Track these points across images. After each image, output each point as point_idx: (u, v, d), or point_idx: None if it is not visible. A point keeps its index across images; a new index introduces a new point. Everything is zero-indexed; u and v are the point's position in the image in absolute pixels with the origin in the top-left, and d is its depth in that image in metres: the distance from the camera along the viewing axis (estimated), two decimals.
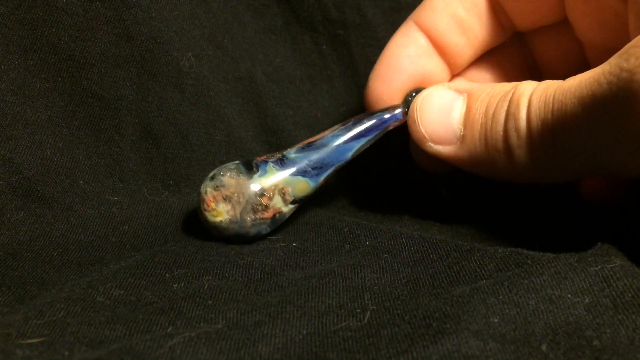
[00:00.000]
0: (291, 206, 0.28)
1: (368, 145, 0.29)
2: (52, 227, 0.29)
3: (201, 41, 0.33)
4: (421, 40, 0.30)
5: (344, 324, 0.21)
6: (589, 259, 0.23)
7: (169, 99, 0.32)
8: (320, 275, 0.24)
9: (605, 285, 0.21)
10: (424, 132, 0.27)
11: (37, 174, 0.30)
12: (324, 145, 0.28)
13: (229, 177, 0.27)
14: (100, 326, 0.21)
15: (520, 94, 0.25)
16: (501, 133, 0.25)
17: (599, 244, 0.24)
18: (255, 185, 0.27)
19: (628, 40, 0.23)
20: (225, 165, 0.28)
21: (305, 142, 0.29)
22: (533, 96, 0.24)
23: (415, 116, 0.27)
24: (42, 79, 0.30)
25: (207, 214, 0.27)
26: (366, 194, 0.35)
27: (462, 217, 0.31)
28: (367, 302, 0.22)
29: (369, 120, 0.29)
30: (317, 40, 0.36)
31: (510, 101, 0.25)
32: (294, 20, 0.36)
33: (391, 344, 0.19)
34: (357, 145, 0.29)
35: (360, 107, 0.37)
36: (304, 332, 0.20)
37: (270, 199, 0.27)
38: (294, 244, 0.28)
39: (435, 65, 0.31)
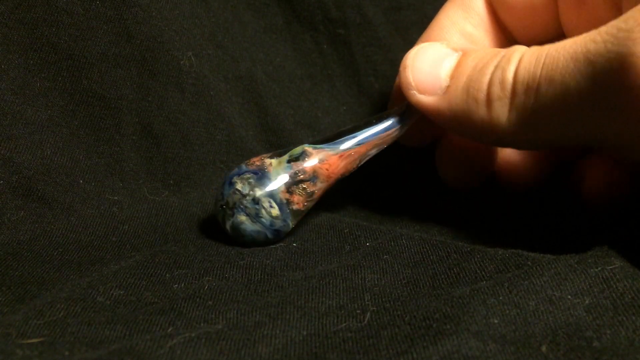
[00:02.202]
0: (279, 159, 0.27)
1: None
2: (52, 226, 0.29)
3: (201, 40, 0.33)
4: None
5: (344, 324, 0.21)
6: (589, 261, 0.23)
7: (169, 98, 0.32)
8: (320, 276, 0.24)
9: (605, 286, 0.21)
10: (411, 78, 0.27)
11: (37, 174, 0.30)
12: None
13: None
14: (101, 326, 0.21)
15: (514, 51, 0.24)
16: (485, 84, 0.25)
17: (599, 245, 0.24)
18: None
19: None
20: None
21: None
22: (526, 53, 0.24)
23: (407, 62, 0.27)
24: (42, 78, 0.30)
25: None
26: (367, 195, 0.35)
27: (463, 218, 0.31)
28: (367, 303, 0.22)
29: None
30: (317, 40, 0.36)
31: (502, 57, 0.25)
32: (294, 19, 0.36)
33: (391, 344, 0.19)
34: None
35: (360, 107, 0.37)
36: (304, 332, 0.20)
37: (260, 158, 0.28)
38: (294, 245, 0.28)
39: None
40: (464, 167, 0.32)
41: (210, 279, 0.24)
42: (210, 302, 0.22)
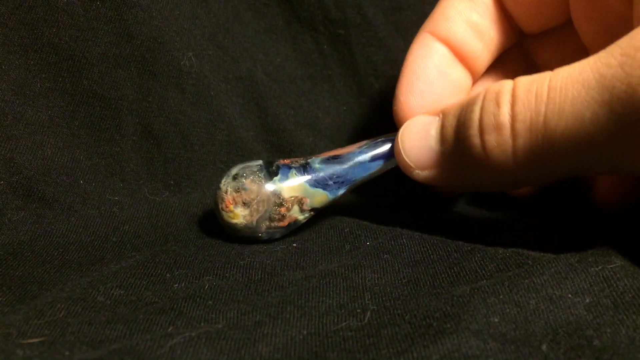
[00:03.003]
0: (307, 215, 0.28)
1: (392, 166, 0.29)
2: (53, 227, 0.29)
3: (202, 41, 0.33)
4: (442, 49, 0.30)
5: (344, 324, 0.21)
6: (590, 260, 0.23)
7: (170, 98, 0.32)
8: (320, 276, 0.24)
9: (605, 285, 0.21)
10: (407, 160, 0.27)
11: (37, 174, 0.30)
12: (349, 160, 0.28)
13: (251, 180, 0.27)
14: (101, 326, 0.21)
15: (497, 92, 0.23)
16: (477, 137, 0.24)
17: (600, 244, 0.24)
18: (276, 194, 0.27)
19: None
20: (248, 165, 0.28)
21: (331, 153, 0.29)
22: (517, 90, 0.22)
23: (399, 147, 0.27)
24: (43, 78, 0.30)
25: (223, 213, 0.27)
26: (367, 194, 0.35)
27: (463, 218, 0.31)
28: (367, 302, 0.22)
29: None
30: (317, 40, 0.36)
31: (484, 100, 0.24)
32: (294, 19, 0.36)
33: (391, 343, 0.19)
34: (382, 163, 0.28)
35: (360, 107, 0.37)
36: (305, 332, 0.20)
37: (289, 210, 0.27)
38: (295, 245, 0.28)
39: (459, 73, 0.31)
40: None
41: (211, 278, 0.24)
42: (210, 302, 0.22)
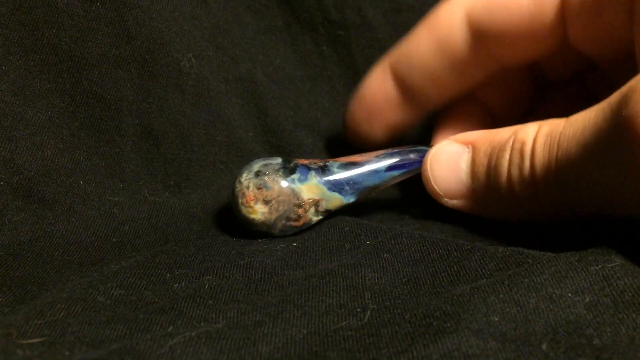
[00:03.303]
0: (320, 216, 0.29)
1: (409, 176, 0.30)
2: (53, 227, 0.29)
3: (202, 42, 0.33)
4: (394, 87, 0.32)
5: (344, 323, 0.21)
6: (590, 258, 0.22)
7: (170, 99, 0.32)
8: (320, 275, 0.24)
9: (605, 284, 0.21)
10: (437, 189, 0.28)
11: (37, 175, 0.30)
12: (365, 167, 0.29)
13: (273, 179, 0.28)
14: (101, 326, 0.21)
15: (522, 142, 0.25)
16: (505, 183, 0.26)
17: (600, 243, 0.24)
18: (296, 194, 0.28)
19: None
20: (270, 163, 0.28)
21: (350, 159, 0.29)
22: (536, 143, 0.25)
23: (428, 174, 0.28)
24: (43, 79, 0.30)
25: (242, 207, 0.28)
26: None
27: (463, 216, 0.31)
28: (367, 301, 0.22)
29: (414, 153, 0.30)
30: (317, 41, 0.36)
31: (512, 150, 0.25)
32: (294, 21, 0.36)
33: (391, 343, 0.19)
34: (396, 174, 0.29)
35: None
36: (304, 331, 0.20)
37: (306, 211, 0.28)
38: (295, 244, 0.28)
39: (404, 114, 0.33)
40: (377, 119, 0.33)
41: (211, 278, 0.24)
42: (210, 302, 0.22)
